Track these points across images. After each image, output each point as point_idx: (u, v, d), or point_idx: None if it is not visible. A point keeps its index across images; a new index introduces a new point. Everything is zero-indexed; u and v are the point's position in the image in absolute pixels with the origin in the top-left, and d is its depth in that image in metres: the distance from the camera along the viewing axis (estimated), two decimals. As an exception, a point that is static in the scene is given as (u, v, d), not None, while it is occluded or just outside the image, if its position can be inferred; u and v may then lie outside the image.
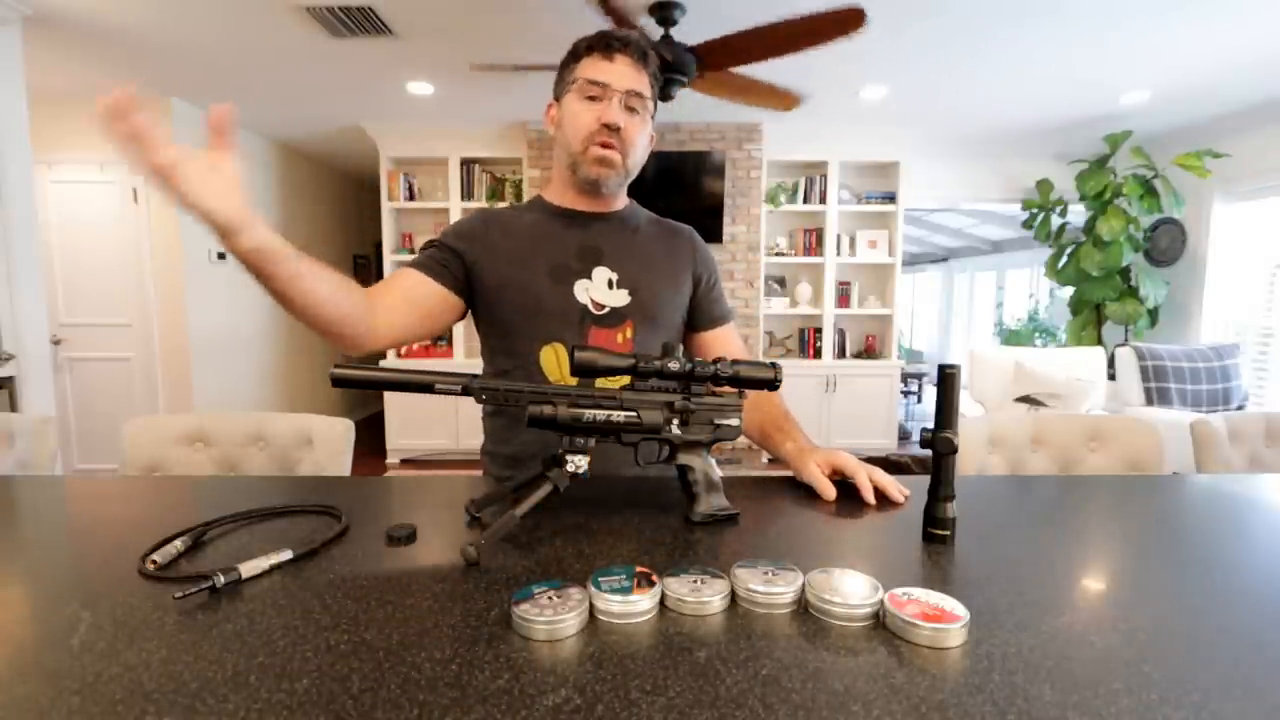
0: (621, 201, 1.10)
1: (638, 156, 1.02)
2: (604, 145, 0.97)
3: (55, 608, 0.56)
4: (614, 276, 1.03)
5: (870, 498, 0.85)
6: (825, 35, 2.33)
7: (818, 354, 4.57)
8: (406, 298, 0.96)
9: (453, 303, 1.01)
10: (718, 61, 2.52)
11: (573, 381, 0.77)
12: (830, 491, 0.86)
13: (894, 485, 0.86)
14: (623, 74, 0.96)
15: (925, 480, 0.73)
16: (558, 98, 1.02)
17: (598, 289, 1.01)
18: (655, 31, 2.49)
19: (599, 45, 0.96)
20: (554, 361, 1.00)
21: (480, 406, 1.05)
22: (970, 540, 0.71)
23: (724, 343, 1.12)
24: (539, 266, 1.01)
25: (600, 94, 0.96)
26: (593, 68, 0.96)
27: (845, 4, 2.17)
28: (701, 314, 1.12)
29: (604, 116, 0.95)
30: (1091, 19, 2.64)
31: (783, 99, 2.94)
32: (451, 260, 1.01)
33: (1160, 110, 3.77)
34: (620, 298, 1.02)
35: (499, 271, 1.01)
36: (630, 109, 0.97)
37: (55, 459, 1.24)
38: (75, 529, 0.82)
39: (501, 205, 4.27)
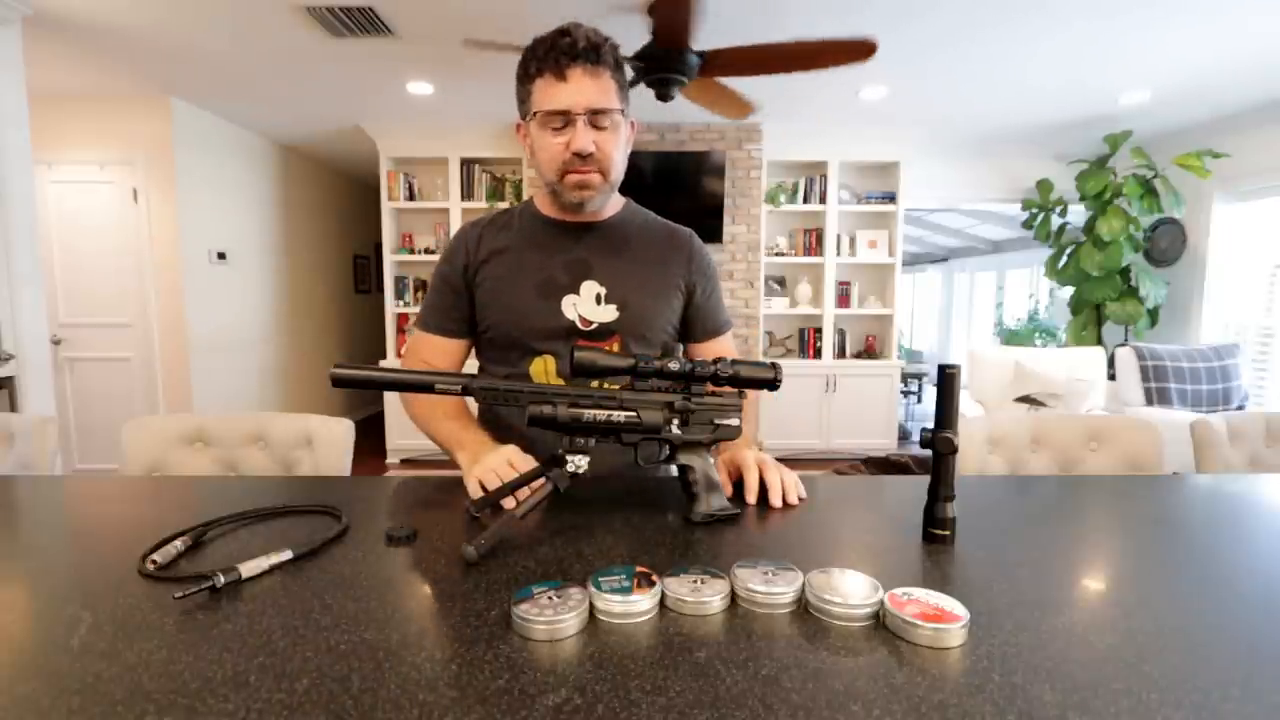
0: (615, 207, 1.06)
1: (618, 167, 0.97)
2: (579, 171, 0.93)
3: (55, 608, 0.56)
4: (602, 291, 1.00)
5: (752, 498, 0.84)
6: (834, 61, 2.38)
7: (818, 354, 4.57)
8: (449, 364, 1.06)
9: (471, 340, 1.08)
10: (720, 69, 2.52)
11: None
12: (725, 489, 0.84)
13: (793, 487, 0.85)
14: (580, 92, 0.89)
15: (925, 480, 0.73)
16: (523, 118, 0.95)
17: (585, 304, 0.99)
18: (655, 32, 2.49)
19: (549, 64, 0.88)
20: (542, 372, 1.00)
21: (476, 407, 1.06)
22: (970, 540, 0.71)
23: (718, 353, 1.02)
24: (526, 282, 1.00)
25: (564, 120, 0.90)
26: (548, 94, 0.89)
27: (856, 35, 2.20)
28: (696, 325, 1.08)
29: (573, 145, 0.90)
30: (1091, 19, 2.64)
31: (741, 108, 2.96)
32: (454, 305, 1.04)
33: (1160, 110, 3.77)
34: (608, 313, 0.99)
35: (486, 287, 1.02)
36: (598, 126, 0.91)
37: (55, 459, 1.24)
38: (75, 529, 0.82)
39: (501, 206, 4.26)
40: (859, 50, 2.30)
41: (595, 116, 0.90)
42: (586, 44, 0.88)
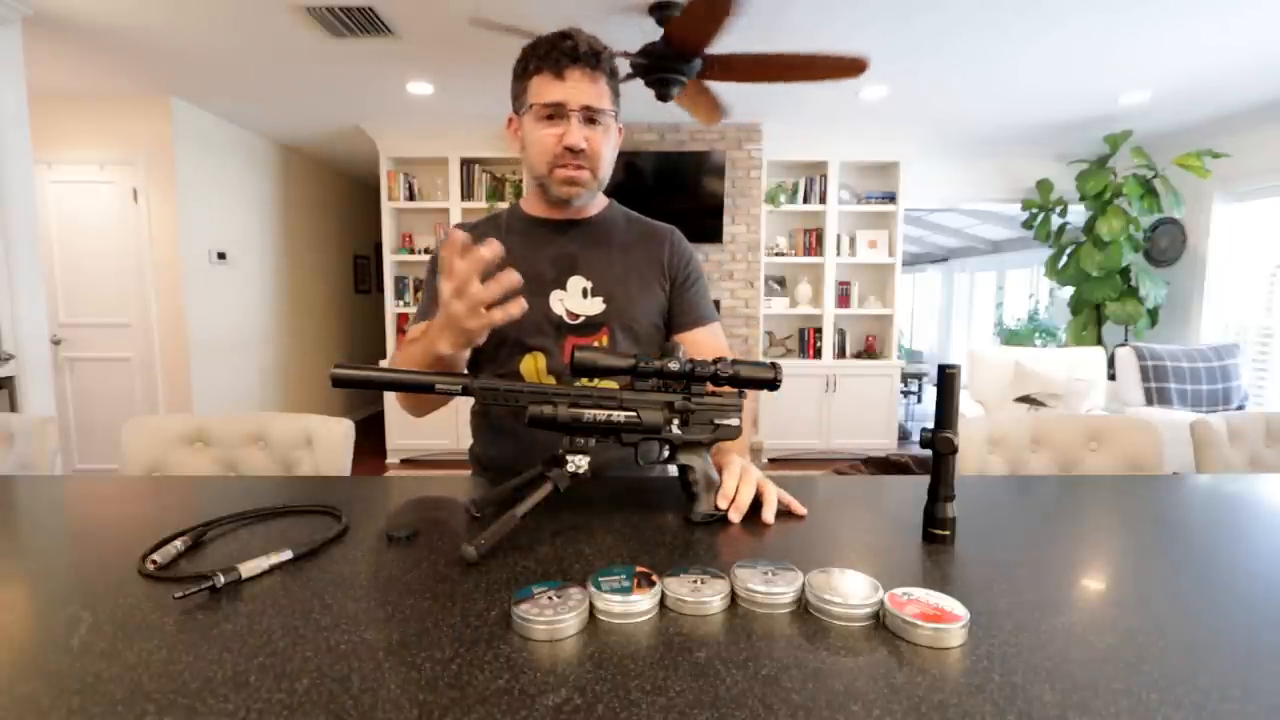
0: (598, 205, 1.08)
1: (606, 166, 0.99)
2: (569, 166, 0.95)
3: (56, 608, 0.56)
4: (588, 285, 1.01)
5: (724, 504, 0.78)
6: (825, 75, 2.46)
7: (818, 354, 4.57)
8: None
9: None
10: (716, 73, 2.53)
11: None
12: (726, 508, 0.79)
13: (772, 504, 0.79)
14: (577, 90, 0.92)
15: (925, 480, 0.73)
16: (517, 112, 0.99)
17: (572, 298, 1.01)
18: (655, 32, 2.49)
19: (548, 63, 0.92)
20: (533, 369, 1.01)
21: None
22: (970, 540, 0.71)
23: (704, 344, 1.05)
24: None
25: (557, 114, 0.93)
26: (545, 88, 0.92)
27: (849, 53, 2.25)
28: (680, 315, 1.08)
29: (565, 139, 0.93)
30: (1091, 19, 2.64)
31: (715, 112, 2.92)
32: None
33: (1160, 110, 3.77)
34: (595, 306, 1.01)
35: None
36: (590, 121, 0.94)
37: (55, 459, 1.24)
38: (75, 529, 0.82)
39: (501, 206, 4.28)
40: (851, 67, 2.43)
41: (589, 114, 0.94)
42: (588, 49, 0.92)
